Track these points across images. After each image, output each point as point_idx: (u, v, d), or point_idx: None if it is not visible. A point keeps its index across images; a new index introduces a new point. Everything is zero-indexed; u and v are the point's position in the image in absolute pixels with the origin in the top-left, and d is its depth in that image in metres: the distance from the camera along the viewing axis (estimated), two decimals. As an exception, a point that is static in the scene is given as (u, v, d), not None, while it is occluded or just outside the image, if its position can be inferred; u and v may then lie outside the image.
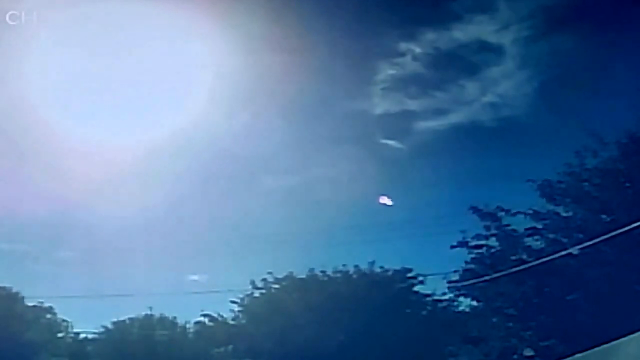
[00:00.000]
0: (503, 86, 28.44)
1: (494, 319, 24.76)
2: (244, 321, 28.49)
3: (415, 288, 27.74)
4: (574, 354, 16.10)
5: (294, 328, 26.32)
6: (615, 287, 20.56)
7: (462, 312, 26.19)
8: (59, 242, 29.17)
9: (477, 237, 24.72)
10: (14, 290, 28.34)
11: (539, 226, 24.20)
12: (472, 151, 28.15)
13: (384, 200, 27.34)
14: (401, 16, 25.59)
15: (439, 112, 29.02)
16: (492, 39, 27.27)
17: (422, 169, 28.77)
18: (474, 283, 24.41)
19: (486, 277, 23.83)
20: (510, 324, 24.38)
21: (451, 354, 26.38)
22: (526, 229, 24.35)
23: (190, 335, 29.49)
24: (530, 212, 24.15)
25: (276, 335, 26.61)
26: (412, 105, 29.25)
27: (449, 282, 25.77)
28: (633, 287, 20.06)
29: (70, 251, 29.26)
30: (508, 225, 24.54)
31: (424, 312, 27.45)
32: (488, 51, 27.62)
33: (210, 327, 28.98)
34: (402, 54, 27.55)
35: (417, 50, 27.35)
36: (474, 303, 25.45)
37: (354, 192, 27.81)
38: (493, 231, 24.72)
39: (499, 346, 24.08)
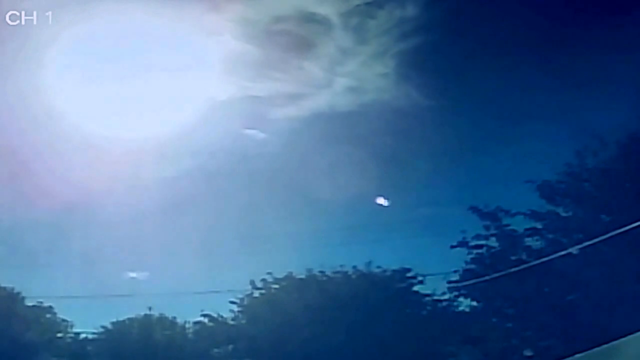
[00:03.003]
0: (350, 66, 25.76)
1: (494, 319, 24.84)
2: (243, 321, 28.52)
3: (415, 288, 27.71)
4: (574, 354, 16.10)
5: (294, 328, 26.35)
6: (615, 287, 20.60)
7: (462, 312, 26.15)
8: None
9: (477, 237, 24.82)
10: (14, 290, 28.42)
11: (539, 226, 24.27)
12: (346, 138, 25.74)
13: (381, 200, 27.19)
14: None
15: (291, 98, 25.91)
16: (318, 9, 23.90)
17: (302, 159, 26.06)
18: (474, 283, 24.47)
19: (486, 277, 23.88)
20: (510, 324, 24.48)
21: (451, 354, 26.34)
22: (526, 229, 24.43)
23: (189, 336, 29.48)
24: (529, 212, 24.26)
25: (276, 335, 26.64)
26: (256, 90, 25.83)
27: (449, 282, 25.86)
28: (633, 287, 20.08)
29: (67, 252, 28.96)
30: (508, 225, 24.63)
31: (423, 312, 27.38)
32: (316, 24, 24.30)
33: (210, 327, 28.98)
34: (217, 32, 23.63)
35: (231, 25, 23.49)
36: (474, 303, 25.50)
37: (232, 187, 26.56)
38: (493, 231, 24.80)
39: (499, 346, 24.16)
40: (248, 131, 26.89)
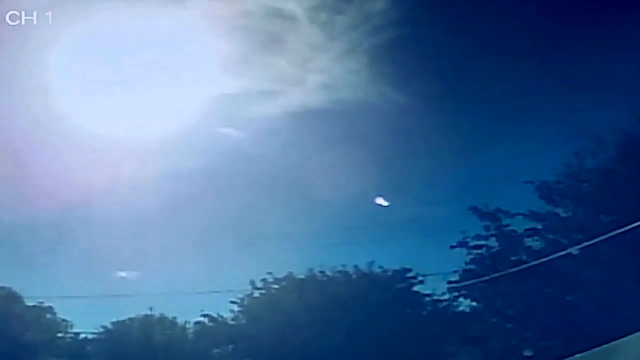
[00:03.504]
0: (321, 62, 25.16)
1: (494, 320, 24.89)
2: (243, 321, 28.54)
3: (415, 288, 27.77)
4: (574, 354, 16.16)
5: (294, 328, 26.38)
6: (615, 287, 20.67)
7: (462, 312, 26.21)
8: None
9: (477, 237, 24.87)
10: (14, 290, 28.44)
11: (538, 227, 24.34)
12: (325, 138, 25.31)
13: (380, 201, 27.17)
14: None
15: (264, 95, 25.24)
16: (284, 5, 23.31)
17: (285, 159, 25.76)
18: (474, 283, 24.53)
19: (486, 278, 23.95)
20: (510, 324, 24.52)
21: (451, 354, 26.40)
22: (525, 230, 24.49)
23: (189, 336, 29.50)
24: (529, 212, 24.32)
25: (276, 336, 26.67)
26: (228, 87, 24.65)
27: (449, 282, 25.91)
28: (633, 287, 20.14)
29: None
30: (508, 225, 24.68)
31: (423, 312, 27.42)
32: (283, 19, 23.61)
33: (210, 327, 29.01)
34: (184, 29, 22.68)
35: (198, 22, 22.41)
36: (474, 303, 25.56)
37: (219, 186, 26.48)
38: (492, 231, 24.86)
39: (499, 346, 24.20)
40: (224, 129, 26.54)
